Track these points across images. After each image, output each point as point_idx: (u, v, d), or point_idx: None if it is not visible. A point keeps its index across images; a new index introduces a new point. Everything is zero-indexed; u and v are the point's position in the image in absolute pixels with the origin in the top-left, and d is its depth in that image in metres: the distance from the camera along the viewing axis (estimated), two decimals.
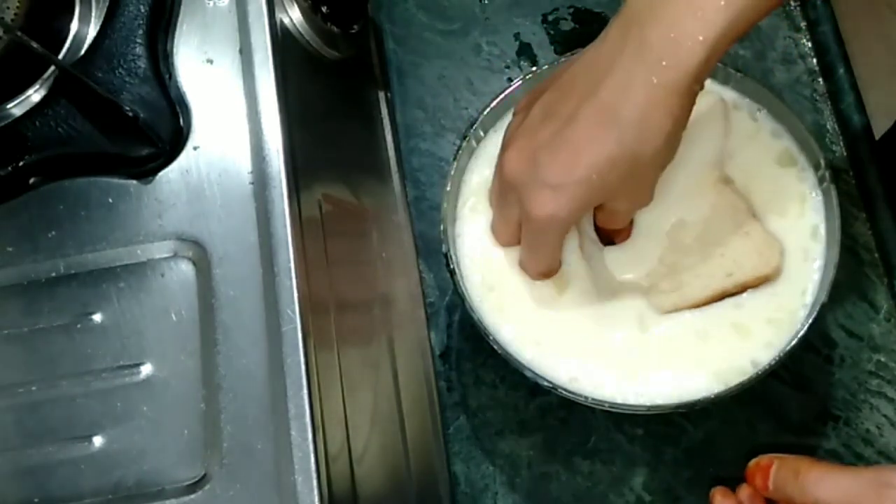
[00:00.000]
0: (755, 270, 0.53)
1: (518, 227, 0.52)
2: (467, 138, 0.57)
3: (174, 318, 0.49)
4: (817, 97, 0.69)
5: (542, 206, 0.47)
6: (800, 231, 0.54)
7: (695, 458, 0.61)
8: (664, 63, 0.43)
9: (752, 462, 0.48)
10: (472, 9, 0.74)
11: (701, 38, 0.42)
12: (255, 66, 0.51)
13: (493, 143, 0.58)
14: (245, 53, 0.52)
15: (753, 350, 0.52)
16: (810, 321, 0.51)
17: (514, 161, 0.48)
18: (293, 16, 0.57)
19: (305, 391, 0.45)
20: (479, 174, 0.58)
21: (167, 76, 0.53)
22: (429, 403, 0.62)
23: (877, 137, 0.65)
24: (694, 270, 0.53)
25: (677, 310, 0.53)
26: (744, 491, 0.52)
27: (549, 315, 0.54)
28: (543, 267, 0.53)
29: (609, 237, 0.55)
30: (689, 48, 0.43)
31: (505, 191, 0.50)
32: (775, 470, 0.47)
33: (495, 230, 0.55)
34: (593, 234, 0.54)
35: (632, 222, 0.54)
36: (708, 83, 0.55)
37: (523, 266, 0.54)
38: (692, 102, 0.45)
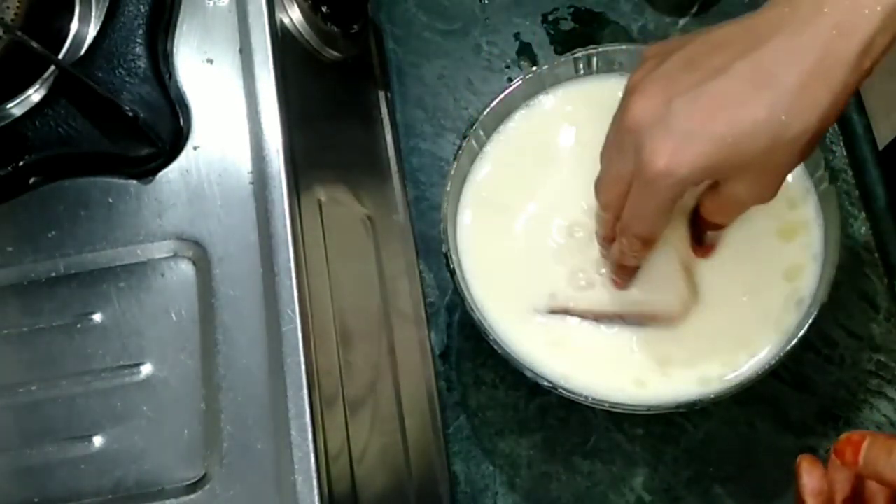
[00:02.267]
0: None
1: (627, 185, 0.46)
2: (467, 138, 0.57)
3: (174, 318, 0.49)
4: None
5: (662, 153, 0.42)
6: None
7: (695, 458, 0.61)
8: (835, 31, 0.40)
9: (843, 437, 0.48)
10: (472, 9, 0.74)
11: (879, 7, 0.40)
12: (255, 66, 0.51)
13: (494, 144, 0.59)
14: (245, 53, 0.52)
15: (753, 350, 0.53)
16: (810, 321, 0.51)
17: (642, 105, 0.44)
18: (293, 16, 0.57)
19: (305, 391, 0.45)
20: (480, 174, 0.58)
21: (167, 76, 0.53)
22: (429, 403, 0.62)
23: (880, 147, 0.64)
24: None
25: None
26: (832, 463, 0.50)
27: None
28: (643, 230, 0.47)
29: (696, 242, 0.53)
30: (865, 15, 0.40)
31: (623, 139, 0.45)
32: (867, 446, 0.46)
33: (600, 186, 0.49)
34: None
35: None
36: None
37: (623, 229, 0.48)
38: (857, 82, 0.41)
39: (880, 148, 0.65)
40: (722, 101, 0.42)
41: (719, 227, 0.51)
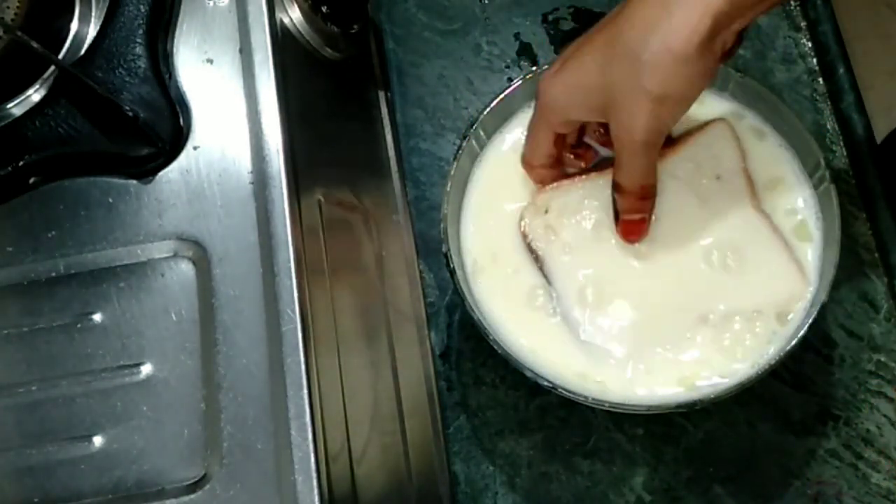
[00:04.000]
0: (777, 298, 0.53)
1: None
2: (467, 138, 0.57)
3: (174, 318, 0.49)
4: (817, 97, 0.69)
5: (547, 88, 0.51)
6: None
7: (695, 458, 0.61)
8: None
9: None
10: (472, 9, 0.74)
11: None
12: (255, 66, 0.51)
13: (496, 143, 0.59)
14: (245, 53, 0.52)
15: (753, 350, 0.53)
16: (810, 321, 0.51)
17: (550, 67, 0.53)
18: (293, 16, 0.57)
19: (305, 391, 0.45)
20: (482, 174, 0.58)
21: (167, 76, 0.53)
22: (429, 403, 0.62)
23: (878, 141, 0.64)
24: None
25: None
26: None
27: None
28: (527, 152, 0.55)
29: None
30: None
31: None
32: None
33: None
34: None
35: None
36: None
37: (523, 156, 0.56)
38: (695, 33, 0.45)
39: (878, 141, 0.65)
40: (586, 37, 0.50)
41: (623, 190, 0.52)
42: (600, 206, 0.54)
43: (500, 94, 0.57)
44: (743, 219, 0.54)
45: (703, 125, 0.56)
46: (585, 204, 0.55)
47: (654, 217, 0.53)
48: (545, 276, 0.55)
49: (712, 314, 0.53)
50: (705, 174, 0.54)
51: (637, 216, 0.53)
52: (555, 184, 0.56)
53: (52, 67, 0.55)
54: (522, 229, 0.56)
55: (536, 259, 0.55)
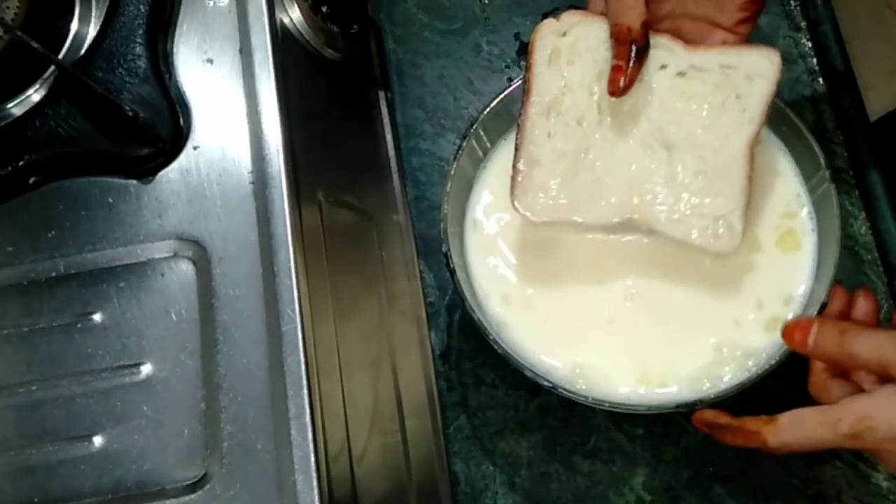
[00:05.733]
0: (707, 241, 0.50)
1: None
2: (467, 138, 0.57)
3: (174, 318, 0.49)
4: (817, 97, 0.69)
5: None
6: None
7: (695, 458, 0.61)
8: None
9: (792, 320, 0.50)
10: (472, 9, 0.74)
11: None
12: (255, 66, 0.52)
13: (498, 144, 0.59)
14: (245, 53, 0.52)
15: (754, 348, 0.53)
16: None
17: None
18: (293, 16, 0.57)
19: (305, 391, 0.45)
20: (486, 175, 0.58)
21: (167, 76, 0.53)
22: (429, 403, 0.62)
23: (880, 146, 0.64)
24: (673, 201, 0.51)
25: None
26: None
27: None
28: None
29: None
30: None
31: None
32: (817, 328, 0.48)
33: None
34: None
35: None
36: None
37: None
38: None
39: (880, 147, 0.65)
40: None
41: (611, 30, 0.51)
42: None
43: (500, 94, 0.57)
44: (733, 146, 0.51)
45: (756, 47, 0.52)
46: (605, 46, 0.52)
47: (640, 81, 0.51)
48: (525, 90, 0.53)
49: None
50: (729, 85, 0.51)
51: (614, 61, 0.51)
52: (586, 14, 0.52)
53: (52, 67, 0.55)
54: (531, 42, 0.53)
55: (528, 70, 0.53)
